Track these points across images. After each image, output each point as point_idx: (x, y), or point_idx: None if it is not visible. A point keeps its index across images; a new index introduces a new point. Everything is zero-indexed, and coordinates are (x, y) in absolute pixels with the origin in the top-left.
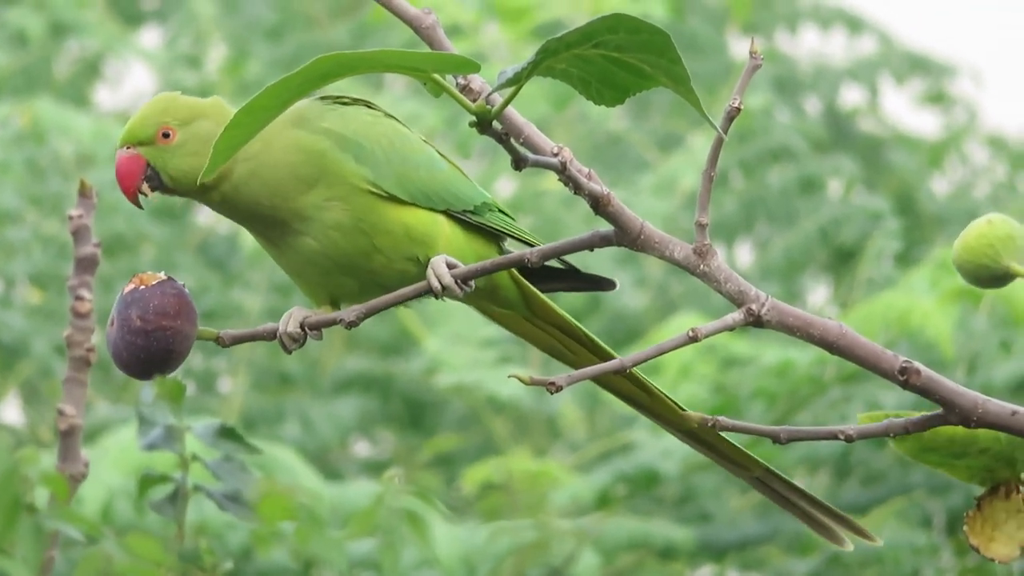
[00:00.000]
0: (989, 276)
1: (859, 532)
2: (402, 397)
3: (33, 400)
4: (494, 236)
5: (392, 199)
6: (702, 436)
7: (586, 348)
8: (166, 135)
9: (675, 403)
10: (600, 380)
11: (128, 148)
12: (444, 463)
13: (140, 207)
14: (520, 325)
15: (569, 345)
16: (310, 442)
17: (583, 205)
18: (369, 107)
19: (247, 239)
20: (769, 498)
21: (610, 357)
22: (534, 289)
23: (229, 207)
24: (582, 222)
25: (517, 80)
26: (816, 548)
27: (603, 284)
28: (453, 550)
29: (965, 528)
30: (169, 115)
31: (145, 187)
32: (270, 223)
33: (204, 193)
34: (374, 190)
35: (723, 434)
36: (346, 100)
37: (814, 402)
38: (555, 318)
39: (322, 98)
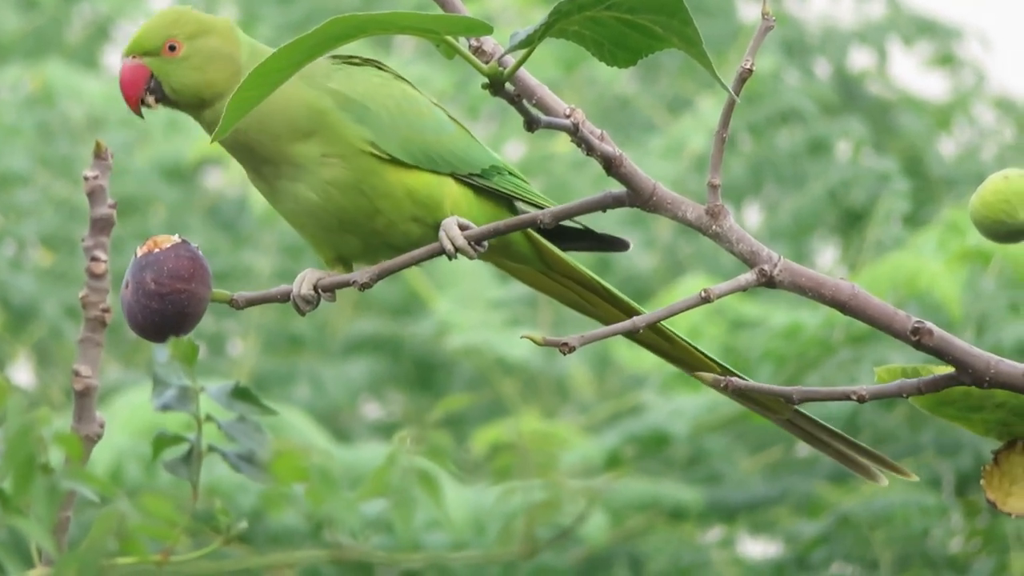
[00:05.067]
0: (1005, 231)
1: (893, 468)
2: (412, 359)
3: (44, 362)
4: (504, 198)
5: (394, 162)
6: None
7: (604, 299)
8: (172, 48)
9: (699, 351)
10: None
11: (134, 58)
12: (453, 424)
13: (141, 116)
14: (536, 278)
15: (587, 297)
16: (320, 404)
17: (593, 168)
18: (380, 68)
19: (257, 201)
20: (801, 439)
21: (629, 308)
22: (548, 244)
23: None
24: (592, 185)
25: (530, 42)
26: (825, 510)
27: (616, 244)
28: (463, 511)
29: (982, 482)
30: (177, 28)
31: (149, 98)
32: (260, 159)
33: (200, 108)
34: (375, 152)
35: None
36: (356, 61)
37: (823, 364)
38: (570, 271)
39: (333, 57)
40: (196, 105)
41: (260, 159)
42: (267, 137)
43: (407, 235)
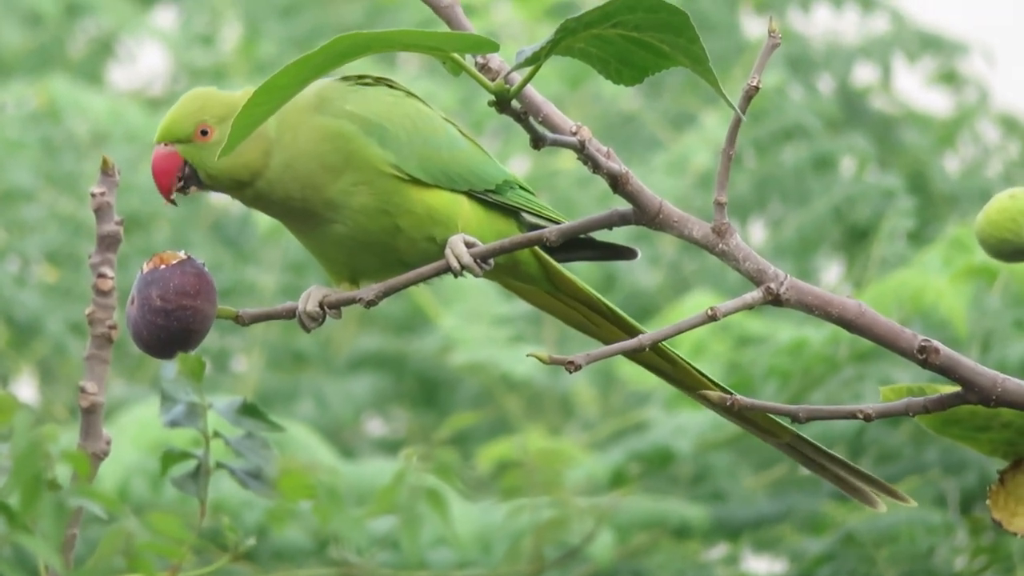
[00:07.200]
0: (1011, 250)
1: (892, 494)
2: (416, 375)
3: (48, 379)
4: (514, 213)
5: (415, 181)
6: None
7: (609, 321)
8: (204, 132)
9: (701, 373)
10: (624, 352)
11: (165, 145)
12: (457, 441)
13: (175, 204)
14: (543, 299)
15: (593, 318)
16: (323, 420)
17: (597, 185)
18: (391, 87)
19: (261, 217)
20: (800, 463)
21: (634, 330)
22: (556, 264)
23: (264, 202)
24: (596, 202)
25: (536, 59)
26: (830, 527)
27: (623, 254)
28: (469, 528)
29: (988, 502)
30: (206, 112)
31: (180, 185)
32: (303, 215)
33: (240, 190)
34: (397, 173)
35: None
36: (368, 80)
37: (828, 381)
38: (578, 292)
39: (344, 78)
40: (234, 187)
41: (304, 215)
42: (309, 190)
43: (425, 253)
